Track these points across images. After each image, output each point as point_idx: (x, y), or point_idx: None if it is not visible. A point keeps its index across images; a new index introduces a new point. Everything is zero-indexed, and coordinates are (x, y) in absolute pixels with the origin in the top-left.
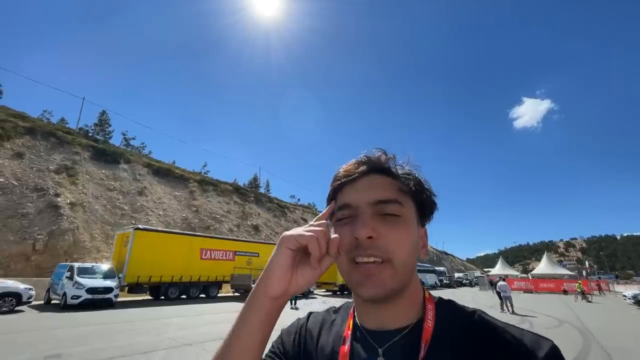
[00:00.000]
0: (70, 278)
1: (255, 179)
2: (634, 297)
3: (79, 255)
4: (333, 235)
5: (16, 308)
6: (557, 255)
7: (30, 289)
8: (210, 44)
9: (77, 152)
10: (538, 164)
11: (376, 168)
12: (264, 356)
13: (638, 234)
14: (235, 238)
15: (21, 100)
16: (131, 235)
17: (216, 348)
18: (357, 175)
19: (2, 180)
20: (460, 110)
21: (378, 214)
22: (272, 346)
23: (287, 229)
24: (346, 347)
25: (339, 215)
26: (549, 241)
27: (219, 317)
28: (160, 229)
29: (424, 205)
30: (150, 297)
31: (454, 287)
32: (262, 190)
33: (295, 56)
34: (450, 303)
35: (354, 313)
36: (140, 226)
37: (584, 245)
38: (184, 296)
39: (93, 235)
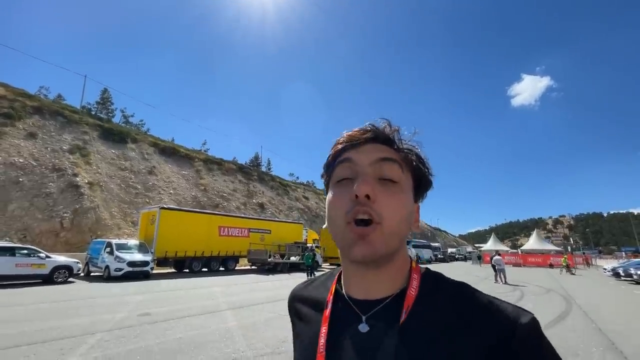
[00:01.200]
0: (111, 253)
1: (256, 157)
2: (613, 270)
3: (102, 232)
4: None
5: (68, 279)
6: (546, 231)
7: (77, 262)
8: (201, 16)
9: (86, 131)
10: (532, 143)
11: (381, 137)
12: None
13: (623, 211)
14: (249, 216)
15: (14, 76)
16: (157, 214)
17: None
18: (361, 140)
19: (22, 160)
20: (458, 88)
21: (378, 177)
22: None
23: (291, 207)
24: (327, 311)
25: (338, 173)
26: (538, 218)
27: (250, 287)
28: (183, 208)
29: (421, 181)
30: (174, 270)
31: (447, 262)
32: (263, 169)
33: (290, 26)
34: (437, 275)
35: (338, 280)
36: (164, 206)
37: (571, 222)
38: (205, 269)
39: (112, 214)
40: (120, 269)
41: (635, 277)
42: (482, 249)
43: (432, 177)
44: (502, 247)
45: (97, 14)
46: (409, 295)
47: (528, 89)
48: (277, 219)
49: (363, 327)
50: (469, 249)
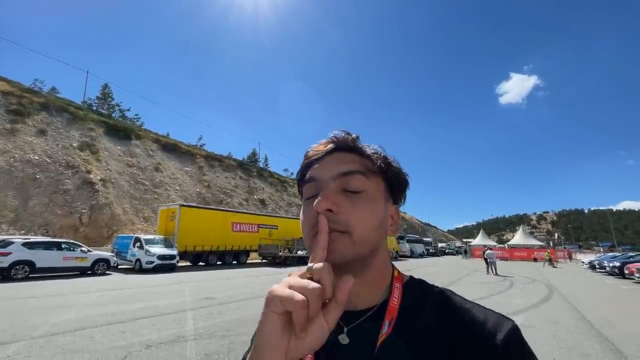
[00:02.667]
0: (141, 247)
1: (254, 153)
2: (589, 263)
3: (117, 227)
4: (345, 279)
5: (106, 272)
6: (530, 227)
7: (113, 256)
8: (189, 9)
9: (92, 128)
10: (518, 141)
11: (342, 146)
12: None
13: (603, 208)
14: (258, 213)
15: (6, 69)
16: (178, 211)
17: None
18: (324, 153)
19: (37, 158)
20: (447, 85)
21: (341, 189)
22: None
23: (290, 203)
24: None
25: (305, 193)
26: (523, 214)
27: (274, 277)
28: (200, 205)
29: (393, 182)
30: (190, 264)
31: (439, 256)
32: (260, 165)
33: (284, 18)
34: (420, 283)
35: None
36: (184, 203)
37: (554, 218)
38: (219, 262)
39: (125, 209)
40: (151, 262)
41: (607, 269)
42: (470, 244)
43: (407, 176)
44: (490, 242)
45: (85, 3)
46: (391, 307)
47: (516, 87)
48: (283, 216)
49: (343, 339)
50: (458, 243)
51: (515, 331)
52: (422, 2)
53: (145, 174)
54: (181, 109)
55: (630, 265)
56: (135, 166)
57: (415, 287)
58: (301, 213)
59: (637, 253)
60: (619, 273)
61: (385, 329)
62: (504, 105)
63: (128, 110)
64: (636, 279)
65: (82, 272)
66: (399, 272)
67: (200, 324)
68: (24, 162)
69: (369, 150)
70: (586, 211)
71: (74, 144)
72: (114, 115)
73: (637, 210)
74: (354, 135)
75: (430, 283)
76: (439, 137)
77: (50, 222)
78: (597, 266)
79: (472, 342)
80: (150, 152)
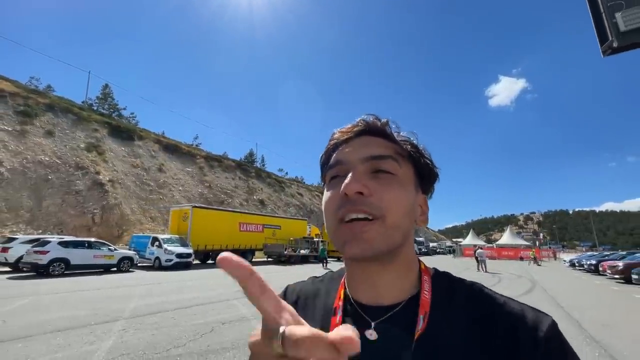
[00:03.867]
0: (160, 246)
1: (251, 154)
2: (570, 261)
3: (127, 227)
4: (345, 331)
5: (130, 269)
6: (517, 227)
7: (135, 254)
8: (186, 3)
9: (96, 129)
10: (507, 142)
11: (373, 130)
12: None
13: (587, 209)
14: (263, 213)
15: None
16: (190, 212)
17: None
18: (352, 135)
19: (47, 159)
20: (437, 88)
21: (371, 171)
22: None
23: (288, 204)
24: (338, 318)
25: (331, 174)
26: (510, 214)
27: (285, 274)
28: (210, 206)
29: (423, 171)
30: (198, 262)
31: (431, 255)
32: (257, 165)
33: (279, 15)
34: (447, 276)
35: (344, 284)
36: (196, 205)
37: (540, 218)
38: None
39: (133, 209)
40: (170, 260)
41: (585, 266)
42: (461, 243)
43: (437, 168)
44: (479, 242)
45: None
46: (423, 300)
47: (505, 90)
48: (285, 216)
49: (371, 335)
50: (448, 243)
51: (554, 327)
52: (415, 6)
53: (149, 175)
54: (175, 107)
55: (604, 263)
56: (140, 167)
57: (443, 280)
58: (324, 195)
59: (612, 252)
60: (595, 270)
61: (421, 324)
62: (494, 108)
63: (124, 109)
64: (608, 275)
65: (106, 269)
66: (424, 264)
67: (250, 309)
68: (36, 163)
69: (399, 137)
70: (571, 212)
71: (81, 145)
72: (112, 114)
73: (618, 211)
74: (384, 120)
75: (456, 276)
76: (429, 137)
77: (64, 222)
78: (577, 264)
79: (510, 338)
80: (153, 153)
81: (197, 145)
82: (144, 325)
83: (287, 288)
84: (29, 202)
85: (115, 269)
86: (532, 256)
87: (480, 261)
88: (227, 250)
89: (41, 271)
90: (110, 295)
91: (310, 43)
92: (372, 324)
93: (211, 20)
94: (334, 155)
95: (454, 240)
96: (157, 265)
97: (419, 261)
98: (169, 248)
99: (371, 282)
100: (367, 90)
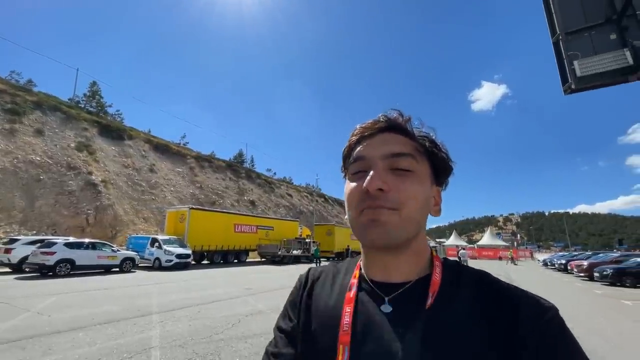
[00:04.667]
0: (160, 247)
1: (240, 154)
2: (543, 260)
3: (120, 228)
4: None
5: (131, 269)
6: (497, 228)
7: (137, 255)
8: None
9: (86, 127)
10: (488, 146)
11: (393, 126)
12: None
13: (561, 211)
14: (256, 215)
15: None
16: (187, 214)
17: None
18: (374, 131)
19: (38, 159)
20: (423, 90)
21: (391, 168)
22: (279, 325)
23: (278, 205)
24: (352, 293)
25: (352, 169)
26: (491, 215)
27: (272, 275)
28: (207, 208)
29: (439, 165)
30: (194, 262)
31: None
32: (247, 166)
33: (270, 14)
34: (456, 263)
35: (360, 266)
36: (193, 206)
37: (519, 219)
38: (221, 261)
39: (126, 210)
40: (171, 261)
41: (556, 265)
42: (444, 244)
43: (452, 162)
44: (462, 243)
45: None
46: (434, 281)
47: (487, 95)
48: (277, 217)
49: (386, 308)
50: (432, 243)
51: (556, 313)
52: (403, 10)
53: (141, 175)
54: (160, 104)
55: (571, 263)
56: (131, 167)
57: (452, 267)
58: (346, 187)
59: (580, 253)
60: (564, 269)
61: (430, 300)
62: (477, 112)
63: (110, 106)
64: (575, 273)
65: (108, 269)
66: (436, 253)
67: (264, 303)
68: (27, 163)
69: (419, 133)
70: (547, 214)
71: (71, 145)
72: (100, 112)
73: (590, 213)
74: (406, 117)
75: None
76: None
77: (58, 223)
78: (549, 263)
79: (514, 321)
80: (143, 153)
81: (185, 144)
82: (177, 318)
83: (309, 270)
84: (21, 203)
85: (117, 269)
86: (509, 256)
87: (462, 261)
88: (222, 250)
89: (45, 272)
90: (127, 293)
91: (300, 42)
92: (386, 298)
93: (198, 19)
94: (356, 150)
95: (438, 240)
96: (157, 266)
97: (431, 250)
98: (168, 249)
99: (384, 264)
100: (354, 91)
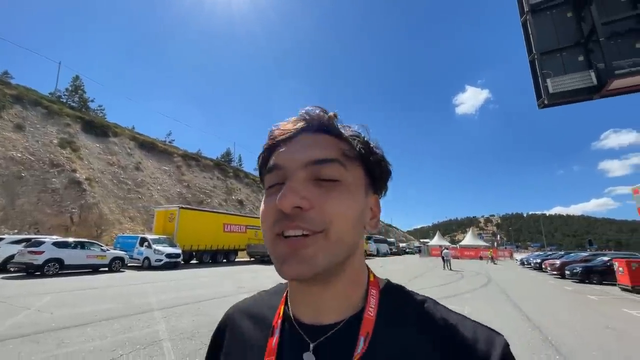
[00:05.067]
0: (149, 247)
1: (228, 153)
2: (521, 260)
3: (105, 227)
4: None
5: (120, 269)
6: (478, 229)
7: (126, 254)
8: None
9: (68, 123)
10: (471, 149)
11: (316, 126)
12: None
13: (539, 212)
14: (246, 214)
15: None
16: (177, 213)
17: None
18: (293, 132)
19: (19, 155)
20: (407, 94)
21: (313, 178)
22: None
23: None
24: (274, 340)
25: (268, 181)
26: (473, 217)
27: (263, 274)
28: (196, 207)
29: (374, 170)
30: (182, 262)
31: (400, 255)
32: (234, 165)
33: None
34: (398, 290)
35: (286, 299)
36: (183, 206)
37: (499, 220)
38: (210, 261)
39: (111, 209)
40: (160, 260)
41: (532, 264)
42: (428, 244)
43: (389, 164)
44: (445, 243)
45: None
46: (366, 319)
47: (470, 99)
48: None
49: (309, 357)
50: (416, 243)
51: (507, 348)
52: (392, 12)
53: (126, 173)
54: (144, 100)
55: (546, 262)
56: (116, 165)
57: (394, 295)
58: (262, 204)
59: (554, 252)
60: (539, 268)
61: (361, 347)
62: (460, 115)
63: (92, 101)
64: (548, 272)
65: (95, 269)
66: (374, 275)
67: None
68: (7, 160)
69: (347, 132)
70: (525, 215)
71: (53, 141)
72: (82, 108)
73: (565, 215)
74: (330, 114)
75: (409, 290)
76: (397, 142)
77: (40, 222)
78: (526, 263)
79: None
80: (129, 150)
81: (171, 142)
82: (179, 314)
83: (226, 312)
84: (1, 201)
85: (106, 269)
86: (489, 256)
87: (445, 260)
88: (211, 250)
89: (32, 271)
90: (122, 292)
91: (290, 40)
92: (311, 345)
93: (186, 16)
94: (273, 157)
95: (422, 240)
96: (147, 265)
97: (369, 272)
98: (158, 248)
99: (311, 301)
100: (344, 92)
